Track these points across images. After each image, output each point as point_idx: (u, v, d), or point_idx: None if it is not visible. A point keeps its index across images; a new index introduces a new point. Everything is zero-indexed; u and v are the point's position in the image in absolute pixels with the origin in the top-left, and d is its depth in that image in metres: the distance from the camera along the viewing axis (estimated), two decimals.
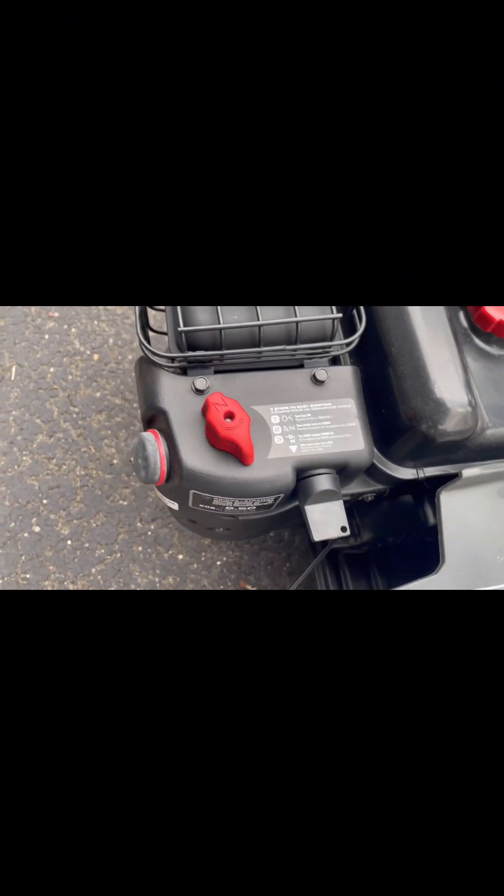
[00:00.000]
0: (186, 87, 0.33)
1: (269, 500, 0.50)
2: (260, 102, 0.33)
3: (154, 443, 0.47)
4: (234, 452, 0.46)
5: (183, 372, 0.49)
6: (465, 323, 0.52)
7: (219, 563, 1.03)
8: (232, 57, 0.32)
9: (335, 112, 0.33)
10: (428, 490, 0.60)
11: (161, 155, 0.33)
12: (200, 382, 0.47)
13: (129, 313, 1.17)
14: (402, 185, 0.34)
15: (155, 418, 0.48)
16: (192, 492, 0.48)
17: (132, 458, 0.49)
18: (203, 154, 0.33)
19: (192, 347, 0.48)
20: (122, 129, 0.33)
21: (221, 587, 1.03)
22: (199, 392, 0.47)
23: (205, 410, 0.46)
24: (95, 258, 0.34)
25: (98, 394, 1.11)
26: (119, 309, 1.17)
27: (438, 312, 0.50)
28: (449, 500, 0.51)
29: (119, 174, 0.33)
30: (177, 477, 0.47)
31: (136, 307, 0.49)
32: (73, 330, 1.15)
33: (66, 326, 1.15)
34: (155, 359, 0.48)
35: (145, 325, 0.50)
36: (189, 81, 0.32)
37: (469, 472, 0.51)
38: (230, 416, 0.44)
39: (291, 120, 0.33)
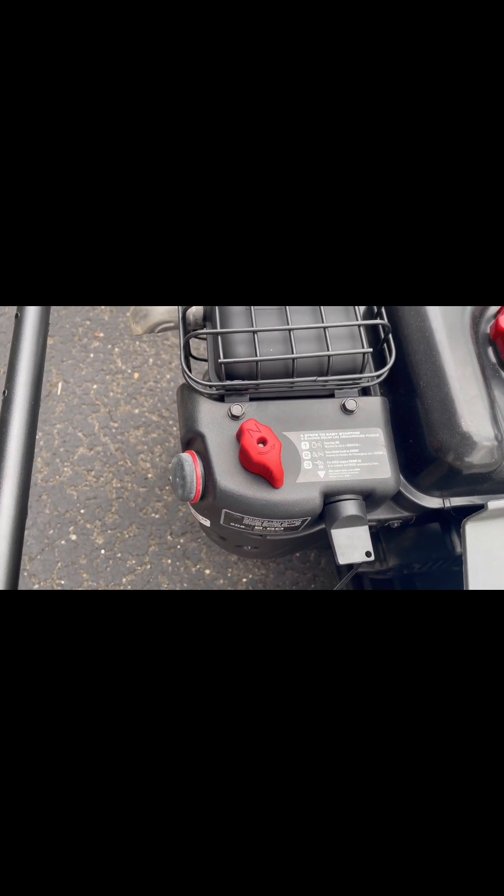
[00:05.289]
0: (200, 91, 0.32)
1: (297, 521, 0.52)
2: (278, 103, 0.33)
3: (191, 463, 0.50)
4: (265, 475, 0.49)
5: (220, 399, 0.52)
6: (493, 358, 0.54)
7: (244, 580, 1.05)
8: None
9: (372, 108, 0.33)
10: (455, 519, 0.61)
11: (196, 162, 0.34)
12: (236, 409, 0.50)
13: (170, 335, 1.23)
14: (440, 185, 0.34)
15: (193, 440, 0.52)
16: (224, 510, 0.51)
17: (171, 477, 0.52)
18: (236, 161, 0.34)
19: (229, 376, 0.51)
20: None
21: None
22: (234, 418, 0.50)
23: (239, 435, 0.49)
24: (148, 262, 0.35)
25: (137, 410, 1.16)
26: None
27: (467, 348, 0.52)
28: (474, 531, 0.52)
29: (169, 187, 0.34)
30: (211, 496, 0.50)
31: (181, 339, 0.53)
32: (116, 349, 1.21)
33: (109, 346, 1.21)
34: (196, 386, 0.51)
35: (188, 354, 0.54)
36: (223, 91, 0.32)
37: (495, 503, 0.52)
38: (263, 441, 0.47)
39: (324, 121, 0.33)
